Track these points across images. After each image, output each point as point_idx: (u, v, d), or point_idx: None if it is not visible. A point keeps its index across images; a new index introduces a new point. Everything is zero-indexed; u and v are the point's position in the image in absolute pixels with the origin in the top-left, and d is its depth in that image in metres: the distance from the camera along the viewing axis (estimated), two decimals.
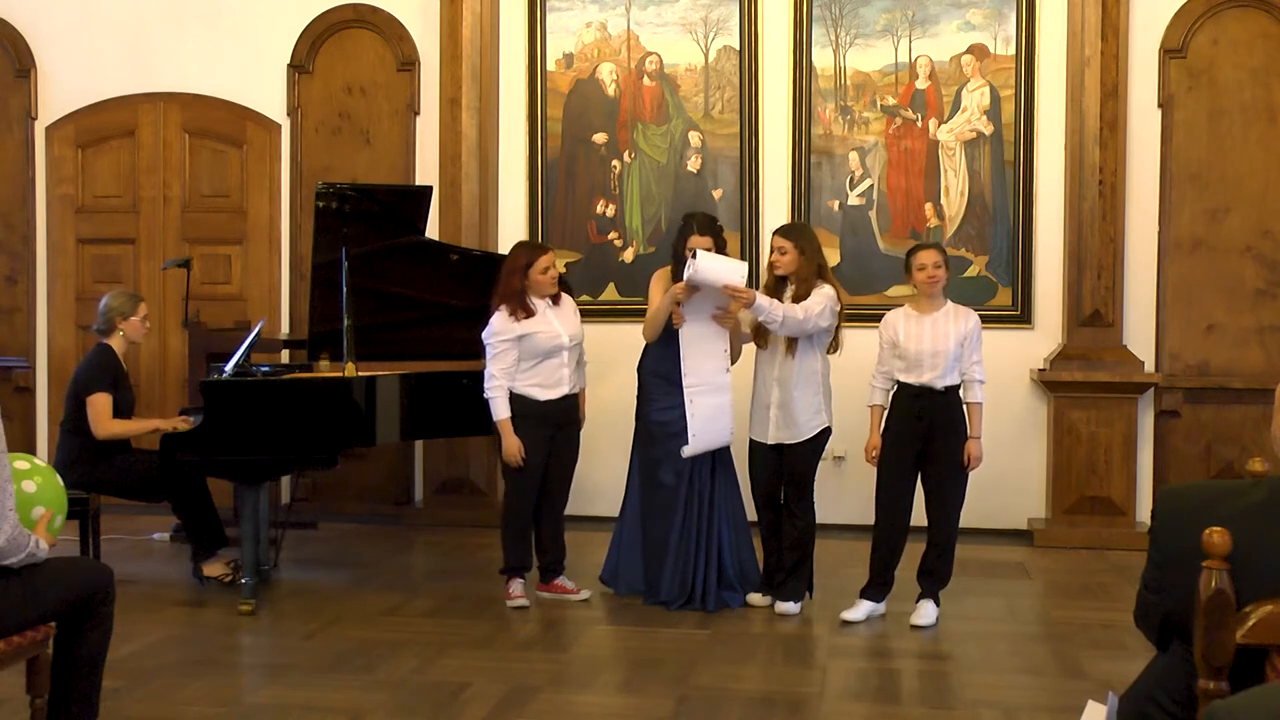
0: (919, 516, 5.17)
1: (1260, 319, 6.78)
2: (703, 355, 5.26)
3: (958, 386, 5.07)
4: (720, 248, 5.34)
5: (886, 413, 5.16)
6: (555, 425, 5.39)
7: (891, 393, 5.17)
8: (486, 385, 5.30)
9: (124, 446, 5.71)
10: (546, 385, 5.35)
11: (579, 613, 5.33)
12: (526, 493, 5.40)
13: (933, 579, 5.12)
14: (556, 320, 5.38)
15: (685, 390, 5.22)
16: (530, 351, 5.30)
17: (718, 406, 5.27)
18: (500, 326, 5.28)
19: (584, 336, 5.54)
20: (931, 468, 5.07)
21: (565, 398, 5.41)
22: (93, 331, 5.85)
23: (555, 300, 5.43)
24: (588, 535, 6.35)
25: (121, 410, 5.64)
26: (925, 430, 5.04)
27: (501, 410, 5.27)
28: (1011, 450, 6.87)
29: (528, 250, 5.47)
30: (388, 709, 4.06)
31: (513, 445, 5.26)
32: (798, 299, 5.17)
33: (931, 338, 5.05)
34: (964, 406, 5.08)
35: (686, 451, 5.23)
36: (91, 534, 5.52)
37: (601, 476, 6.72)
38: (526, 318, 5.28)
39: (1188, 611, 2.05)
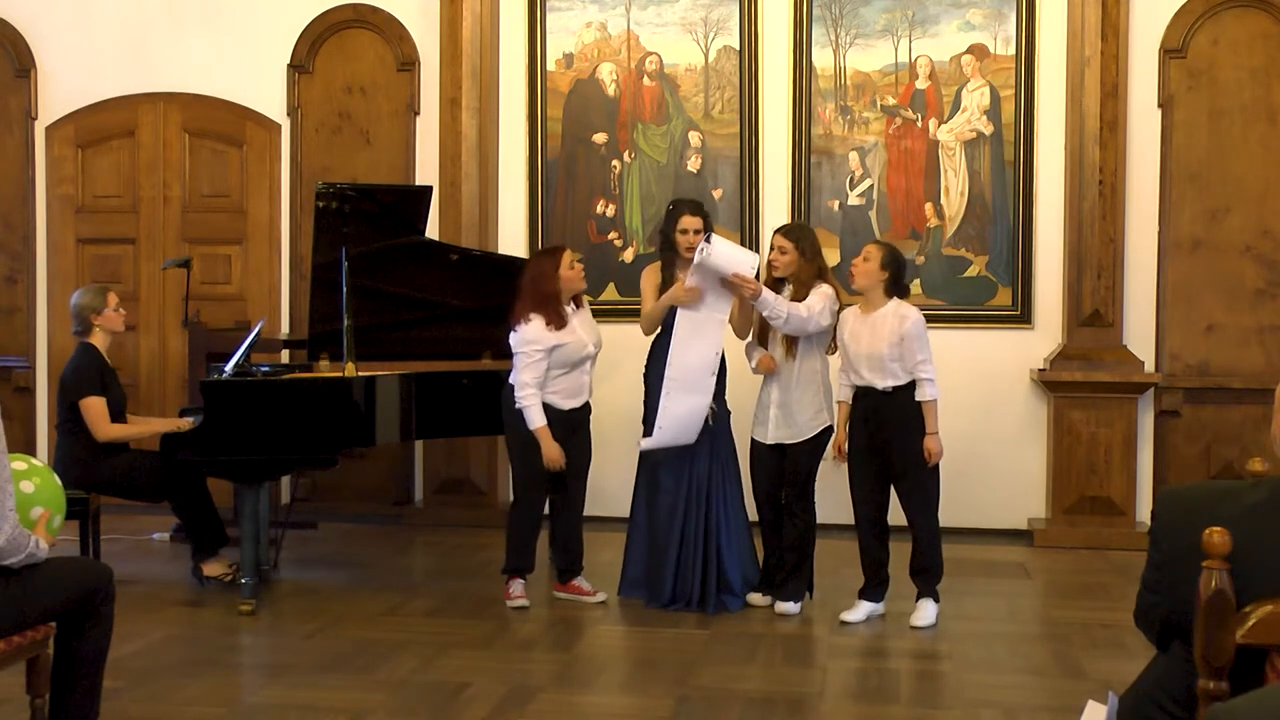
0: (896, 514, 5.17)
1: (1260, 319, 6.78)
2: (691, 353, 5.20)
3: (906, 386, 5.00)
4: (709, 232, 5.32)
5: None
6: (570, 430, 5.39)
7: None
8: (519, 394, 5.24)
9: (123, 447, 5.70)
10: (569, 395, 5.35)
11: (579, 613, 5.33)
12: (539, 495, 5.41)
13: (925, 576, 5.12)
14: (581, 328, 5.37)
15: (665, 381, 5.17)
16: (560, 361, 5.28)
17: (692, 407, 5.18)
18: (535, 335, 5.22)
19: (602, 340, 5.53)
20: (895, 468, 5.06)
21: (583, 405, 5.43)
22: (72, 334, 5.79)
23: (577, 303, 5.42)
24: (584, 535, 6.33)
25: (113, 409, 5.59)
26: (875, 431, 5.05)
27: (537, 419, 5.23)
28: (1011, 450, 6.88)
29: (548, 254, 5.45)
30: (388, 709, 4.06)
31: (553, 451, 5.23)
32: (795, 300, 5.16)
33: (869, 339, 5.03)
34: (919, 405, 5.00)
35: (646, 444, 5.21)
36: (91, 534, 5.51)
37: (601, 476, 6.70)
38: (559, 327, 5.25)
39: (1188, 611, 2.05)
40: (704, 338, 5.21)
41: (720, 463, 5.34)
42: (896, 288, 5.09)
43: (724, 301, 5.20)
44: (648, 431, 5.35)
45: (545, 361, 5.23)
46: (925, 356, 4.98)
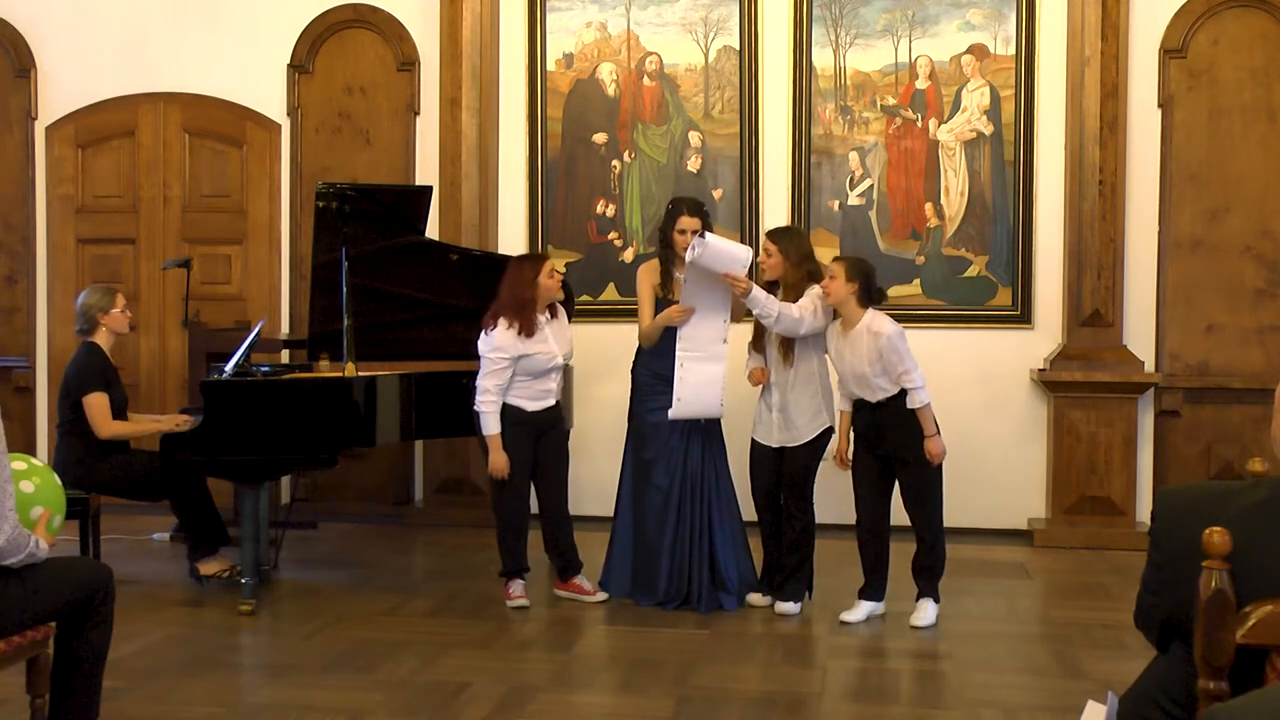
0: (900, 515, 5.16)
1: (1260, 319, 6.77)
2: (698, 323, 5.22)
3: (897, 395, 4.97)
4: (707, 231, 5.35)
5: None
6: (540, 430, 5.41)
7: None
8: (479, 399, 5.29)
9: (123, 446, 5.70)
10: (535, 398, 5.39)
11: (578, 612, 5.33)
12: (515, 495, 5.41)
13: (926, 575, 5.12)
14: (553, 338, 5.39)
15: (677, 354, 5.20)
16: (526, 369, 5.31)
17: (709, 375, 5.21)
18: (504, 342, 5.25)
19: (573, 352, 5.58)
20: (897, 471, 5.07)
21: (550, 407, 5.44)
22: (76, 332, 5.79)
23: (553, 312, 5.44)
24: (585, 535, 6.33)
25: (114, 408, 5.60)
26: (876, 441, 5.07)
27: (492, 426, 5.28)
28: (1011, 450, 6.88)
29: (530, 261, 5.46)
30: (388, 709, 4.06)
31: (500, 461, 5.28)
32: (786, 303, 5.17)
33: (851, 358, 5.03)
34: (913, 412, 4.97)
35: (671, 414, 5.22)
36: (91, 534, 5.51)
37: (601, 476, 6.71)
38: (529, 335, 5.27)
39: (1188, 612, 2.05)
40: (710, 310, 5.22)
41: (713, 460, 5.35)
42: (868, 296, 5.04)
43: (722, 291, 5.20)
44: (634, 427, 5.42)
45: (510, 370, 5.27)
46: (907, 367, 4.94)
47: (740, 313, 5.35)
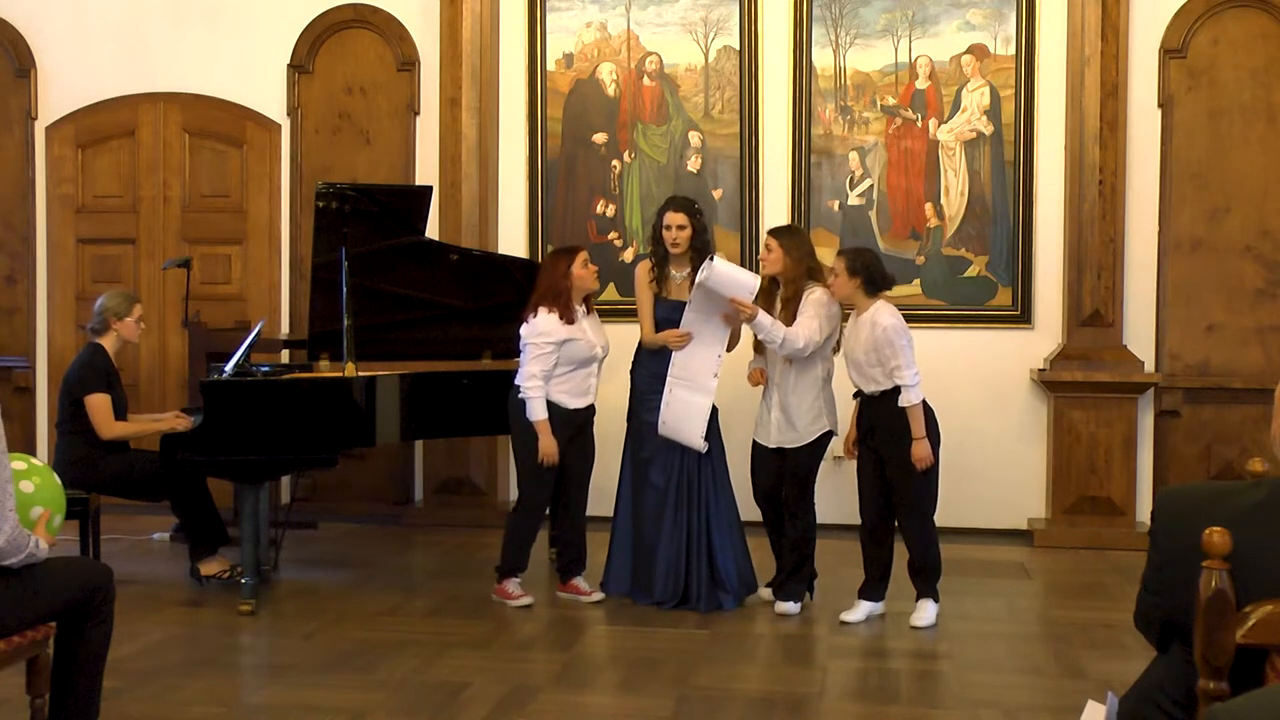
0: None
1: (1260, 319, 6.78)
2: (692, 352, 5.25)
3: (891, 391, 4.97)
4: (698, 230, 5.36)
5: None
6: (575, 430, 5.41)
7: None
8: (525, 384, 5.26)
9: (124, 446, 5.71)
10: (576, 394, 5.37)
11: (579, 613, 5.33)
12: (544, 496, 5.42)
13: (921, 576, 5.12)
14: (590, 330, 5.41)
15: (668, 377, 5.24)
16: (568, 358, 5.30)
17: (693, 405, 5.23)
18: (548, 327, 5.25)
19: (609, 345, 5.57)
20: (886, 469, 5.06)
21: (589, 406, 5.45)
22: (86, 330, 5.82)
23: (587, 308, 5.45)
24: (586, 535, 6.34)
25: (115, 410, 5.61)
26: (867, 432, 5.09)
27: (540, 411, 5.25)
28: (1011, 450, 6.88)
29: (564, 254, 5.47)
30: (388, 709, 4.06)
31: (550, 446, 5.26)
32: (787, 299, 5.18)
33: (853, 343, 5.06)
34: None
35: (660, 431, 5.25)
36: (91, 534, 5.51)
37: (601, 476, 6.70)
38: (570, 323, 5.28)
39: (1188, 612, 2.05)
40: (707, 340, 5.25)
41: (711, 460, 5.35)
42: (874, 286, 5.05)
43: (723, 324, 5.24)
44: (632, 426, 5.46)
45: (555, 355, 5.25)
46: (901, 362, 4.92)
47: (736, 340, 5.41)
